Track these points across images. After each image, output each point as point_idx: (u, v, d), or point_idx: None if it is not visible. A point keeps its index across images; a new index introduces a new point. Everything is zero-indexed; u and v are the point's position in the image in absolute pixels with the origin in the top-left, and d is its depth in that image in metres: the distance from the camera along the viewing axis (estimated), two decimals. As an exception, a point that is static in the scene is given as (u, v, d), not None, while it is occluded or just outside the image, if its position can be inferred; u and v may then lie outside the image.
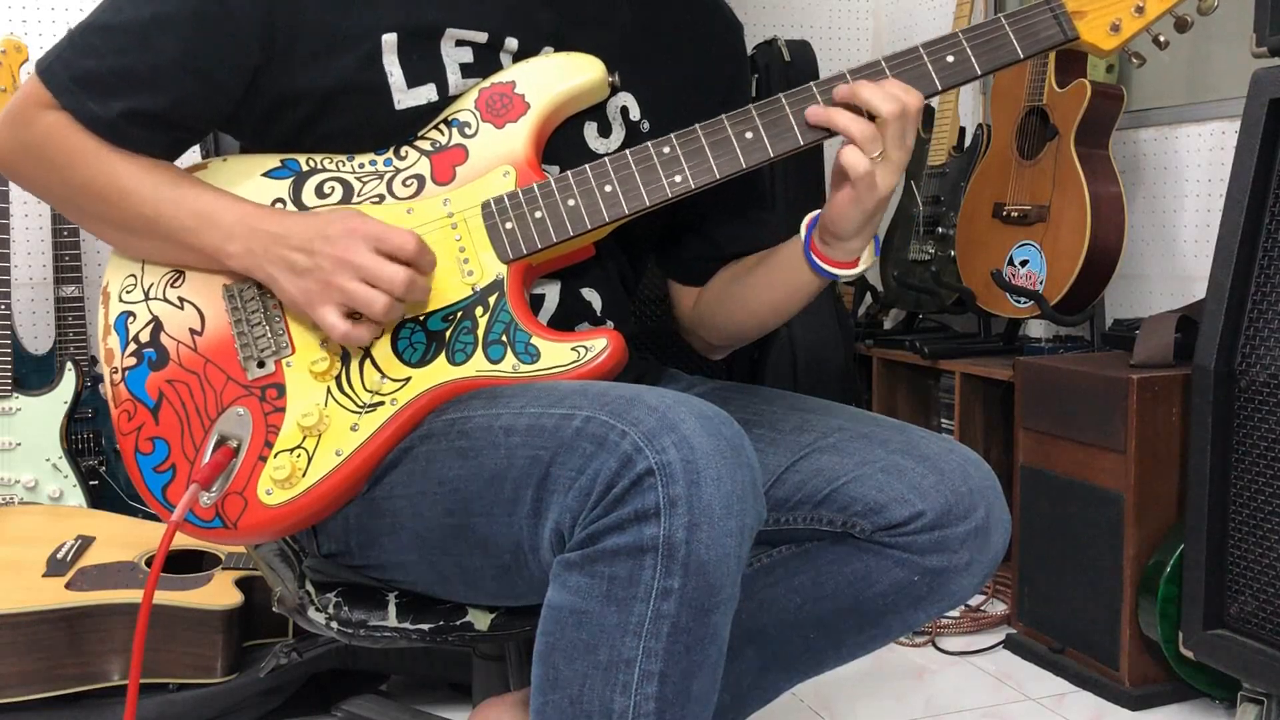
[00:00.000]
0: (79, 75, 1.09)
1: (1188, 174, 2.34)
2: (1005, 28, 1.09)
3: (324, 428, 1.06)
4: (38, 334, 2.60)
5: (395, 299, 1.04)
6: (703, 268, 1.33)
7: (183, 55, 1.09)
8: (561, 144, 1.16)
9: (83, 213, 1.15)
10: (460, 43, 1.14)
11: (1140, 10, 1.08)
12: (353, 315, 1.05)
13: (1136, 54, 1.15)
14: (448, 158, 1.13)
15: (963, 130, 2.75)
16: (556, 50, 1.17)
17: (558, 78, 1.14)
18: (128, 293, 1.14)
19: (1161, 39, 1.13)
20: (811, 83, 1.10)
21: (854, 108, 1.08)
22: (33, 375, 2.43)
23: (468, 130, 1.13)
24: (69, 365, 2.41)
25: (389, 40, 1.11)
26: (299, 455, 1.05)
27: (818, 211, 1.16)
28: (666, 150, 1.10)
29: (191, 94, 1.11)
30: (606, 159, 1.10)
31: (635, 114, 1.22)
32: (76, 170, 1.10)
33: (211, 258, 1.10)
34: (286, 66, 1.11)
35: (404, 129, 1.13)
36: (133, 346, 1.11)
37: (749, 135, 1.09)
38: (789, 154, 1.10)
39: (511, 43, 1.16)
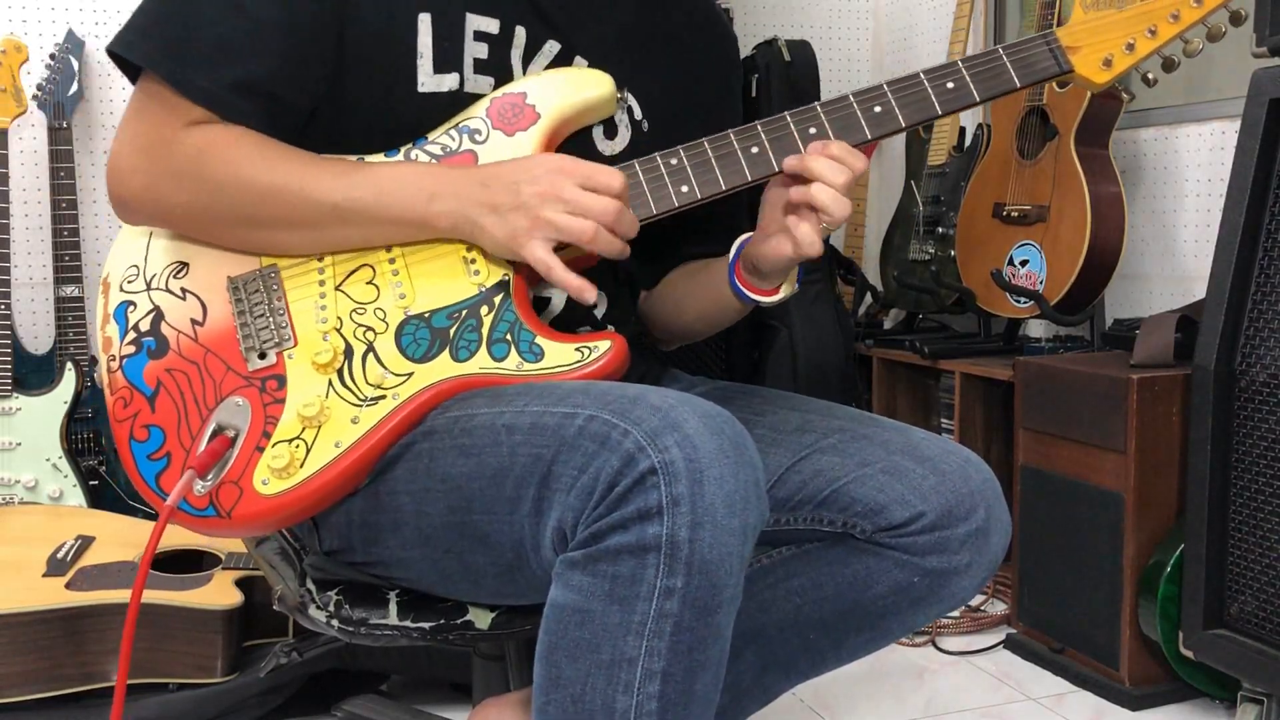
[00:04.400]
0: (174, 51, 1.07)
1: (1188, 174, 2.34)
2: (1003, 58, 1.13)
3: (324, 419, 1.05)
4: (38, 334, 2.60)
5: (606, 229, 1.04)
6: (659, 273, 1.34)
7: (279, 15, 1.08)
8: (570, 146, 1.17)
9: (249, 221, 1.10)
10: (478, 36, 1.15)
11: (1131, 48, 1.13)
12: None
13: (1126, 90, 1.22)
14: (457, 162, 1.13)
15: (963, 130, 2.75)
16: (560, 44, 1.19)
17: (569, 91, 1.15)
18: (129, 283, 1.14)
19: (1150, 76, 1.18)
20: (816, 103, 1.13)
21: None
22: (33, 375, 2.44)
23: (478, 137, 1.13)
24: (69, 365, 2.41)
25: (424, 20, 1.12)
26: (298, 445, 1.05)
27: (749, 235, 1.18)
28: (674, 162, 1.11)
29: (289, 57, 1.09)
30: (615, 169, 1.11)
31: (638, 113, 1.23)
32: (245, 180, 1.07)
33: (413, 224, 1.08)
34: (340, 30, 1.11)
35: (417, 117, 1.13)
36: (132, 335, 1.11)
37: (754, 150, 1.11)
38: None
39: (520, 33, 1.17)
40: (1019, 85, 1.13)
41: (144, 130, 1.10)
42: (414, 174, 1.09)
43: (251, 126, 1.10)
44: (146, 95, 1.10)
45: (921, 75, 1.12)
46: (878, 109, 1.11)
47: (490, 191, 1.06)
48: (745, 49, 2.88)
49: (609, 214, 1.04)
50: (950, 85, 1.12)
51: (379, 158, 1.13)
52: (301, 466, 1.04)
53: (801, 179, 1.09)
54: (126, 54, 1.09)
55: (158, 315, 1.11)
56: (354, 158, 1.13)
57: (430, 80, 1.13)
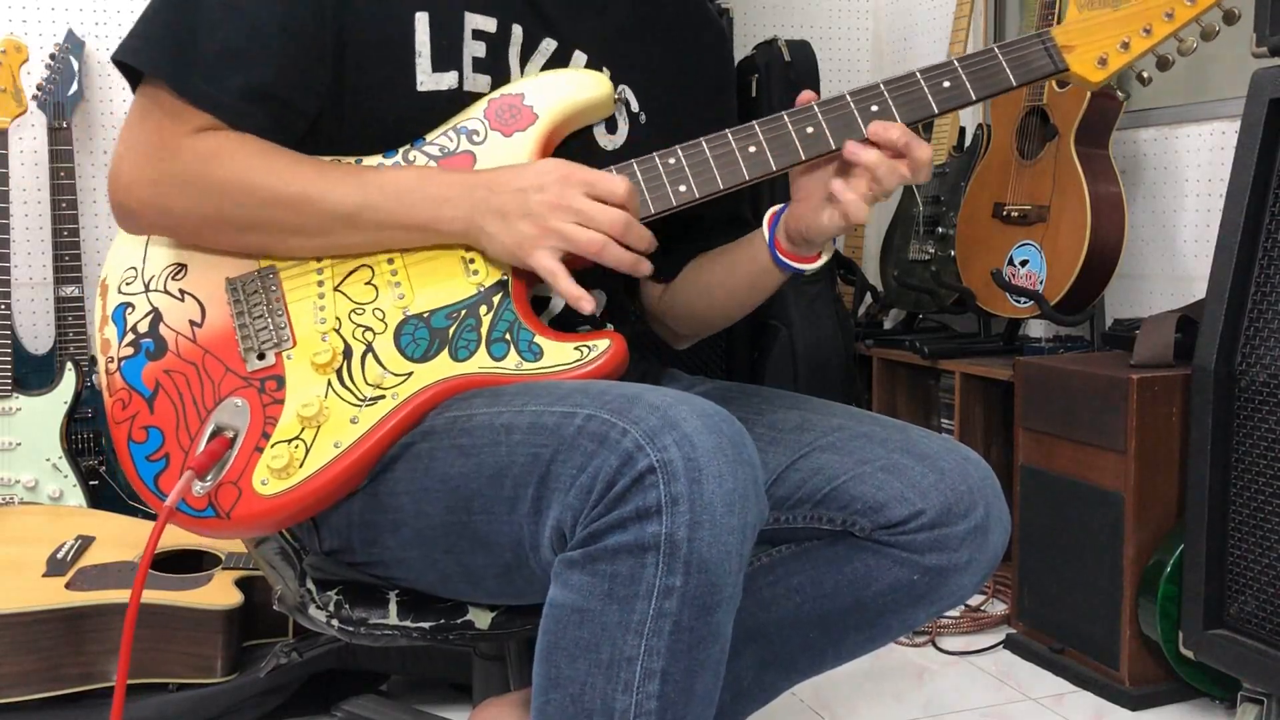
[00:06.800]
0: (178, 58, 1.07)
1: (1188, 174, 2.34)
2: (999, 58, 1.13)
3: (323, 419, 1.05)
4: (38, 334, 2.61)
5: (614, 240, 1.04)
6: (677, 263, 1.34)
7: (277, 16, 1.08)
8: (571, 141, 1.17)
9: (254, 227, 1.10)
10: (476, 34, 1.15)
11: (1125, 46, 1.14)
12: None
13: (1121, 89, 1.23)
14: (455, 163, 1.13)
15: (963, 130, 2.75)
16: (557, 41, 1.19)
17: (566, 92, 1.15)
18: (127, 285, 1.14)
19: (1145, 75, 1.18)
20: (814, 103, 1.13)
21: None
22: (33, 375, 2.44)
23: (476, 138, 1.13)
24: (69, 365, 2.41)
25: (421, 19, 1.12)
26: (297, 446, 1.05)
27: (781, 206, 1.19)
28: (672, 161, 1.12)
29: (293, 59, 1.09)
30: (612, 168, 1.11)
31: (634, 105, 1.24)
32: (252, 187, 1.07)
33: (423, 230, 1.08)
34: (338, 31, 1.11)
35: (417, 116, 1.13)
36: (130, 337, 1.11)
37: (752, 149, 1.12)
38: (790, 168, 1.13)
39: (517, 31, 1.17)
40: (1015, 84, 1.13)
41: (146, 138, 1.09)
42: (424, 180, 1.09)
43: (258, 133, 1.10)
44: (149, 101, 1.10)
45: (918, 74, 1.13)
46: (874, 108, 1.12)
47: (497, 198, 1.06)
48: (745, 49, 2.88)
49: (617, 227, 1.04)
50: (947, 84, 1.12)
51: (377, 159, 1.13)
52: (301, 467, 1.04)
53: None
54: (133, 62, 1.09)
55: (156, 317, 1.11)
56: (351, 159, 1.13)
57: (429, 79, 1.13)
